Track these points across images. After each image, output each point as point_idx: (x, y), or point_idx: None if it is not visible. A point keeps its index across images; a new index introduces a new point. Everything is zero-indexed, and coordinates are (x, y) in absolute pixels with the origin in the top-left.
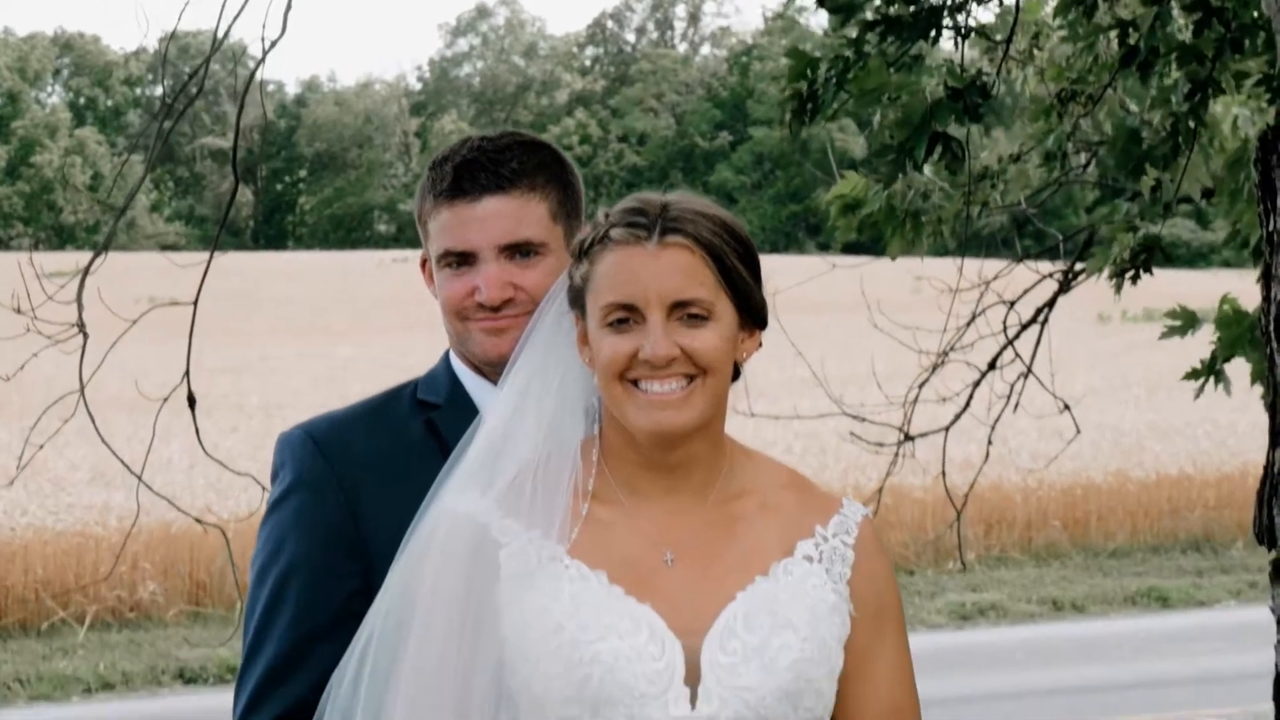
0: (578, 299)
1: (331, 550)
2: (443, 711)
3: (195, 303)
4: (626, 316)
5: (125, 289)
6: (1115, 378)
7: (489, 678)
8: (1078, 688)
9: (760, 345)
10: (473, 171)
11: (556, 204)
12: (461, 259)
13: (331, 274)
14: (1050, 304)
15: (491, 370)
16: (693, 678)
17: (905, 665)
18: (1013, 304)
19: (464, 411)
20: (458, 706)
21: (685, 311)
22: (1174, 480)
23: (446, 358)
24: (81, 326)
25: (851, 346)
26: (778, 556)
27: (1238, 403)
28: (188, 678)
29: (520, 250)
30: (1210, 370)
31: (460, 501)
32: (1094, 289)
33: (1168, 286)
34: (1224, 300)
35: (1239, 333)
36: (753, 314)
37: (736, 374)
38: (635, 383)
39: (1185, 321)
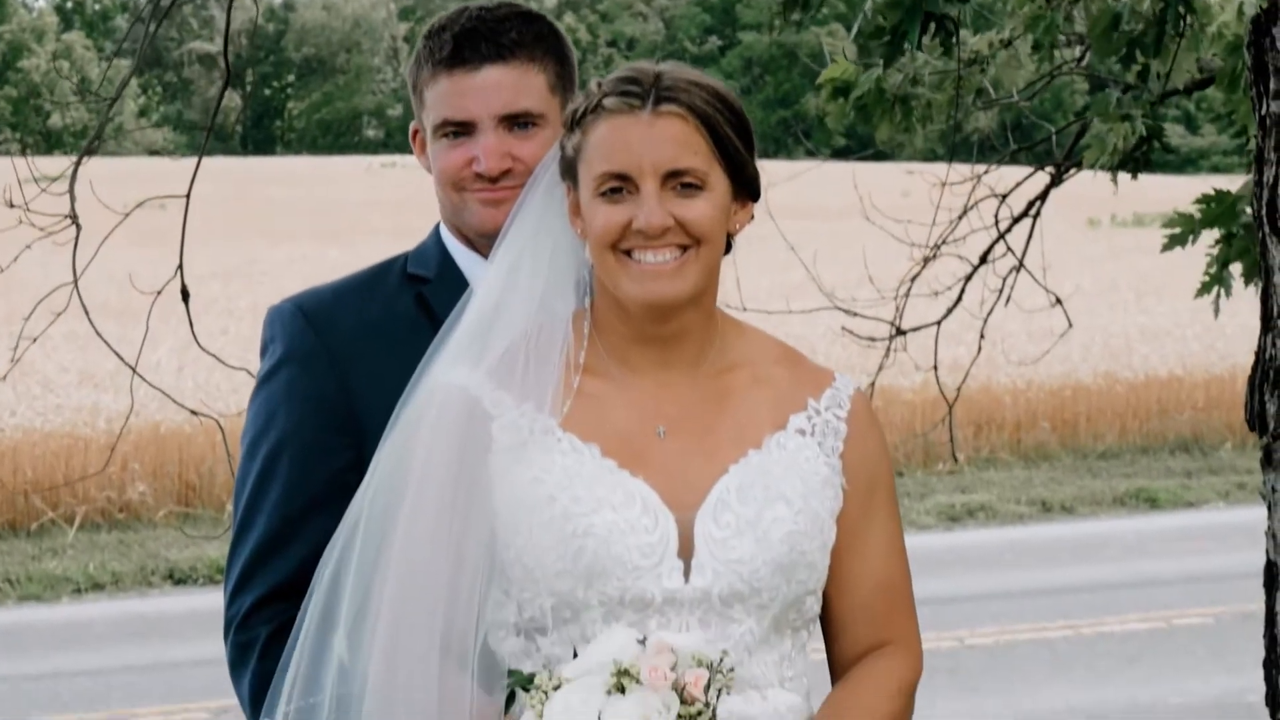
0: (570, 169)
1: (322, 423)
2: (434, 585)
3: (188, 195)
4: (620, 186)
5: (115, 193)
6: (1104, 281)
7: (481, 551)
8: (1066, 588)
9: (753, 218)
10: (473, 40)
11: (554, 76)
12: (460, 129)
13: (320, 179)
14: (1042, 197)
15: (483, 243)
16: (686, 551)
17: (897, 539)
18: (1004, 197)
19: (455, 284)
20: (450, 579)
21: (679, 181)
22: (1163, 382)
23: (437, 231)
24: (74, 218)
25: (843, 252)
26: (770, 430)
27: (1226, 306)
28: (178, 578)
29: (519, 121)
30: (1218, 280)
31: (452, 374)
32: (1084, 191)
33: (1157, 191)
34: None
35: (1221, 210)
36: (746, 184)
37: (729, 247)
38: (628, 253)
39: (1185, 228)
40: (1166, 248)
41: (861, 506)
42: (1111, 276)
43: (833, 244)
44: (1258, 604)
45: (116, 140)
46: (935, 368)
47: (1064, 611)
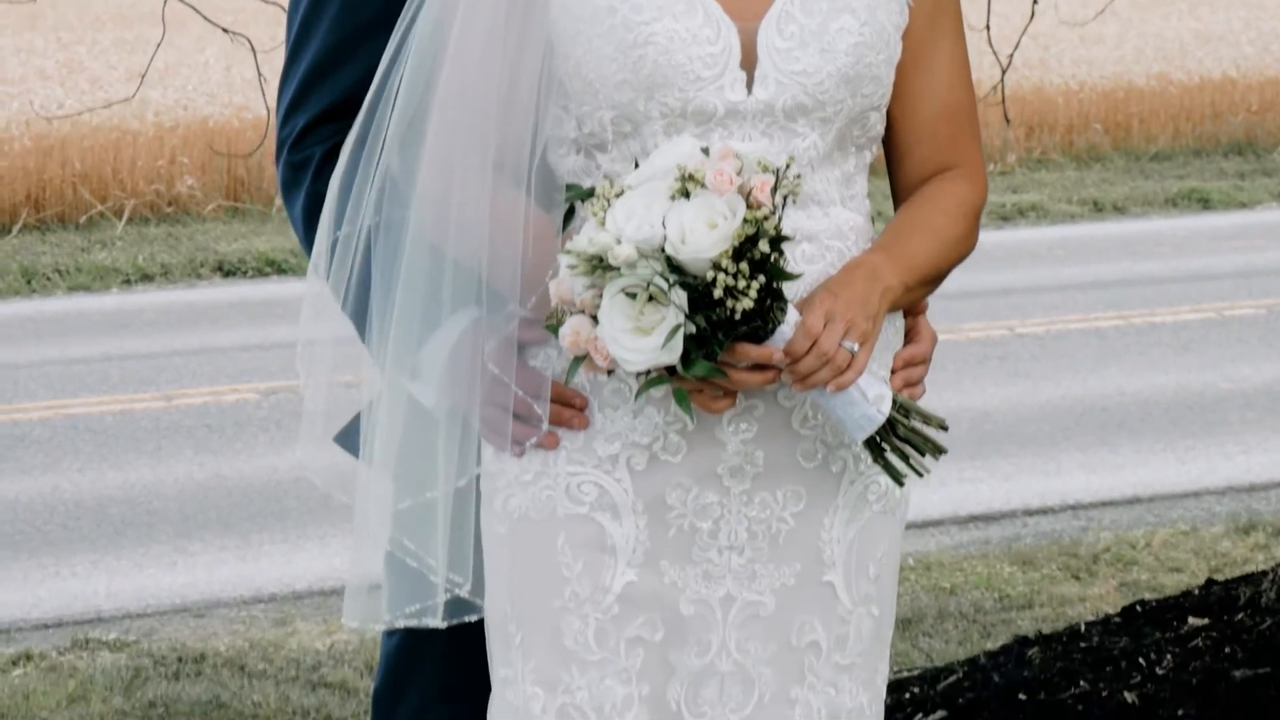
0: None
1: None
2: (488, 98)
3: None
4: None
5: None
6: None
7: (536, 63)
8: (1118, 281)
9: None
10: None
11: None
12: None
13: None
14: None
15: None
16: (749, 62)
17: (963, 64)
18: None
19: None
20: (504, 92)
21: None
22: (1217, 84)
23: None
24: None
25: None
26: None
27: None
28: (226, 270)
29: None
30: None
31: None
32: None
33: None
34: None
35: None
36: None
37: None
38: None
39: None
40: None
41: (928, 24)
42: None
43: None
44: None
45: None
46: (988, 27)
47: (1115, 303)
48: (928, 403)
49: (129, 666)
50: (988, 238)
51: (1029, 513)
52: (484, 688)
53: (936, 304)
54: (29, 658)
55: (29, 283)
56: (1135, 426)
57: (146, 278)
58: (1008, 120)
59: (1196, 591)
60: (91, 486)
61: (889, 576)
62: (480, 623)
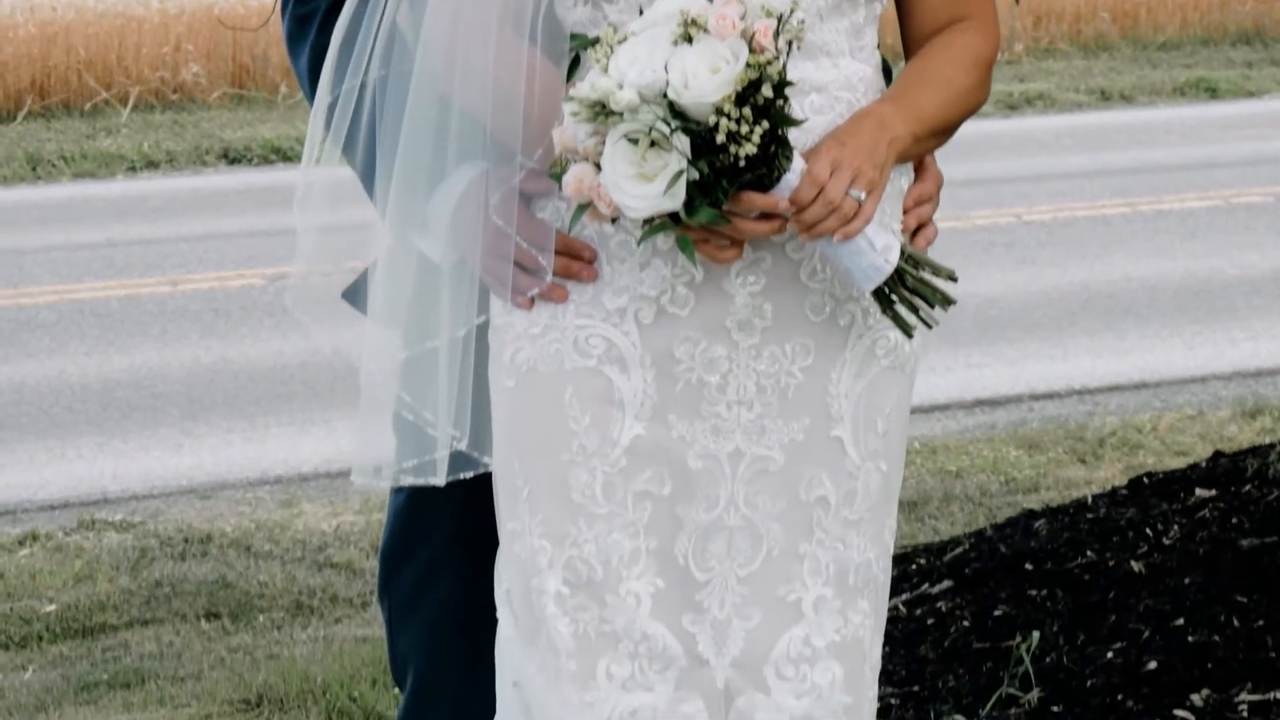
0: None
1: None
2: None
3: None
4: None
5: None
6: None
7: None
8: (1124, 169)
9: None
10: None
11: None
12: None
13: None
14: None
15: None
16: None
17: None
18: None
19: None
20: None
21: None
22: None
23: None
24: None
25: None
26: None
27: None
28: (232, 158)
29: None
30: None
31: None
32: None
33: None
34: None
35: None
36: None
37: None
38: None
39: None
40: None
41: None
42: None
43: None
44: None
45: None
46: None
47: (1122, 191)
48: None
49: (135, 547)
50: (994, 127)
51: (1035, 397)
52: (492, 544)
53: (942, 193)
54: (35, 538)
55: (34, 169)
56: (1142, 312)
57: (152, 165)
58: (1016, 1)
59: (1204, 464)
60: (97, 370)
61: (897, 433)
62: (488, 480)
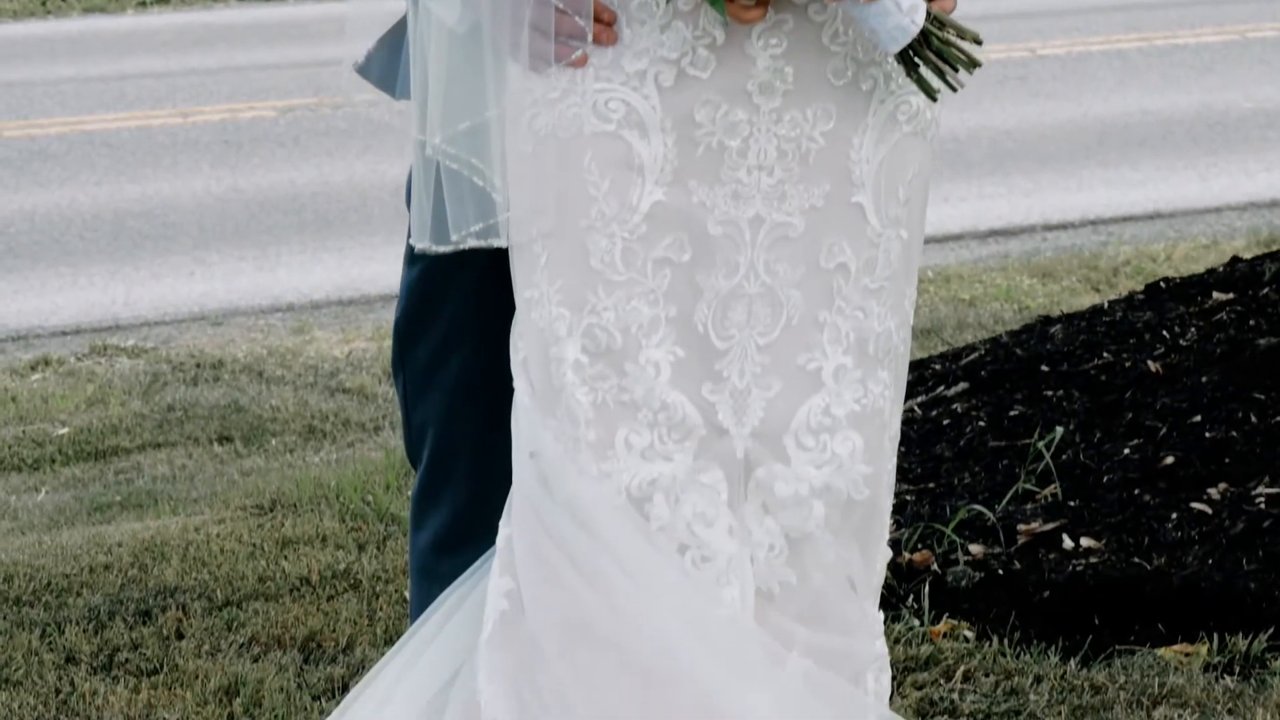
0: None
1: None
2: None
3: None
4: None
5: None
6: None
7: None
8: (1140, 4)
9: None
10: None
11: None
12: None
13: None
14: None
15: None
16: None
17: None
18: None
19: None
20: None
21: None
22: None
23: None
24: None
25: None
26: None
27: None
28: None
29: None
30: None
31: None
32: None
33: None
34: None
35: None
36: None
37: None
38: None
39: None
40: None
41: None
42: None
43: None
44: None
45: None
46: None
47: (1136, 25)
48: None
49: (147, 372)
50: None
51: (1049, 228)
52: (509, 316)
53: None
54: (47, 363)
55: (44, 3)
56: (1157, 144)
57: (161, 0)
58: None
59: (1221, 269)
60: (109, 200)
61: (918, 200)
62: (504, 252)
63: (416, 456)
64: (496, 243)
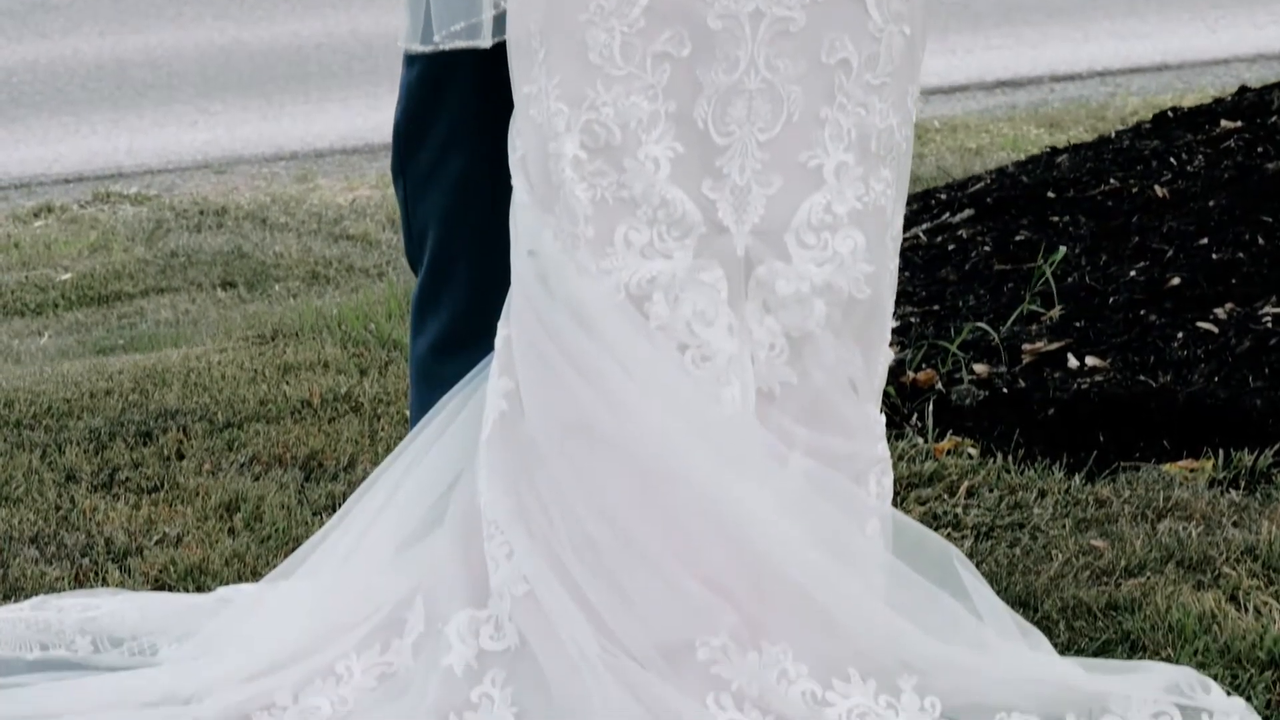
0: None
1: None
2: None
3: None
4: None
5: None
6: None
7: None
8: None
9: None
10: None
11: None
12: None
13: None
14: None
15: None
16: None
17: None
18: None
19: None
20: None
21: None
22: None
23: None
24: None
25: None
26: None
27: None
28: None
29: None
30: None
31: None
32: None
33: None
34: None
35: None
36: None
37: None
38: None
39: None
40: None
41: None
42: None
43: None
44: None
45: None
46: None
47: None
48: None
49: (150, 219)
50: None
51: (1056, 79)
52: (508, 116)
53: None
54: (50, 210)
55: None
56: None
57: None
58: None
59: (1229, 98)
60: (111, 50)
61: None
62: (503, 50)
63: (417, 261)
64: (479, 43)
